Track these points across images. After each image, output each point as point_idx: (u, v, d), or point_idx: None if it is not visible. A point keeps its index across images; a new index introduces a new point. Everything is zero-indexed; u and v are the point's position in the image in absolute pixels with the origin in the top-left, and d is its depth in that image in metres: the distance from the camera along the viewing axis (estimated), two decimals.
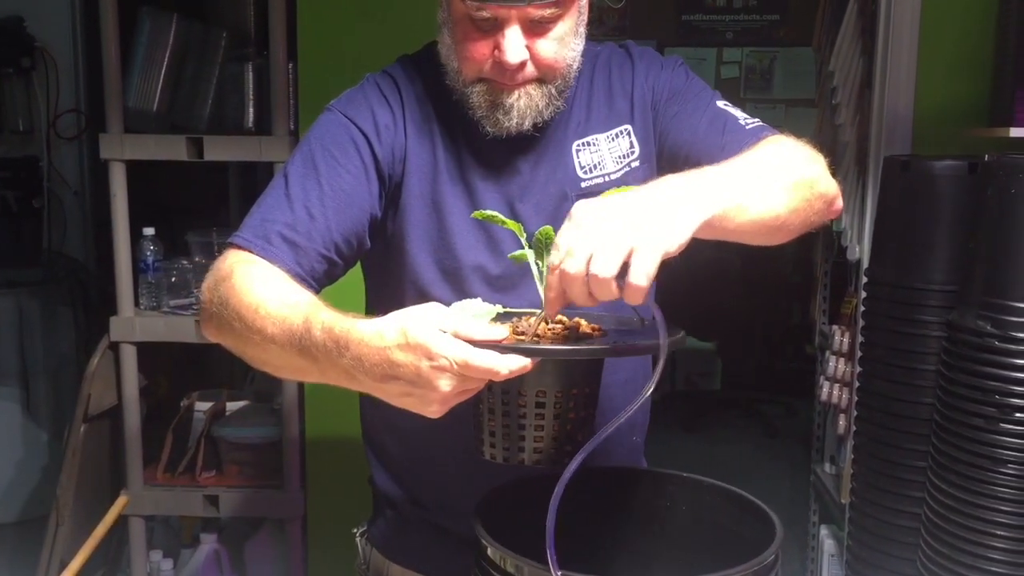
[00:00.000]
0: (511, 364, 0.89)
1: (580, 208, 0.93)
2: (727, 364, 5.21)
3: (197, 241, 2.49)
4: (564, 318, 1.06)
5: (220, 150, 2.33)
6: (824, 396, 2.61)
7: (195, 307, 2.41)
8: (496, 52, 1.15)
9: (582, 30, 1.21)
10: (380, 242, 1.27)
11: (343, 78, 2.33)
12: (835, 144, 2.52)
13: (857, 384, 2.12)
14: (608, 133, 1.28)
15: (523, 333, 0.99)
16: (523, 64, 1.16)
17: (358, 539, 1.47)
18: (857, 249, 2.40)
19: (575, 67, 1.22)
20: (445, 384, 0.90)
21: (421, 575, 1.37)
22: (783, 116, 5.38)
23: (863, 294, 1.96)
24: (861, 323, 1.98)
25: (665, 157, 1.28)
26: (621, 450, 1.33)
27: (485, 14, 1.13)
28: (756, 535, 0.96)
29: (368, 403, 1.44)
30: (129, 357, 2.40)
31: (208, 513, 2.45)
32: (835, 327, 2.66)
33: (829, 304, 3.05)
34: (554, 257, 0.92)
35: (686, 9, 5.56)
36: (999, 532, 1.63)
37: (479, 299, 1.05)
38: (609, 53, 1.34)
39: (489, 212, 1.10)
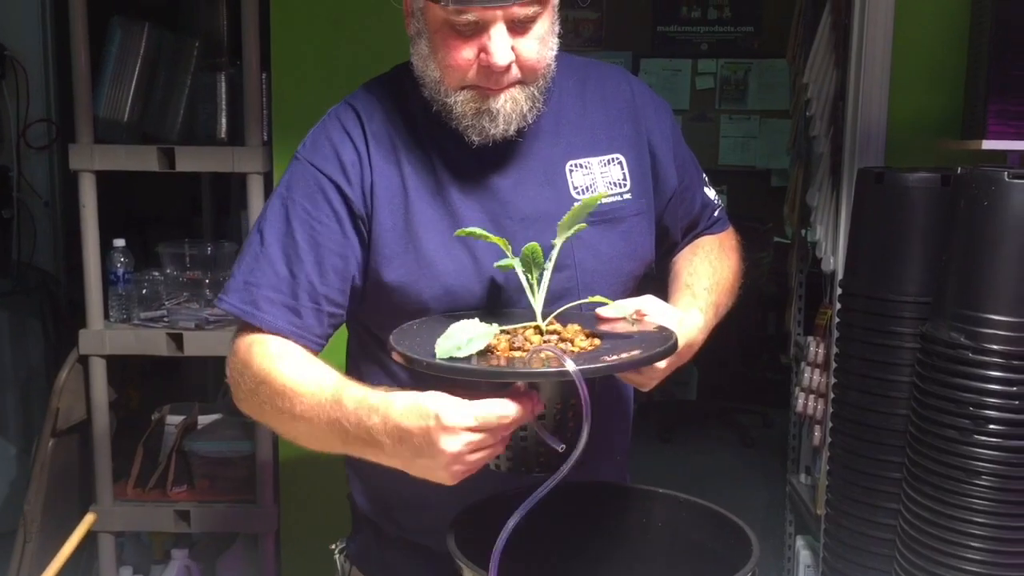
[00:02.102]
0: (516, 408, 0.95)
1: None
2: (704, 374, 5.23)
3: (169, 252, 2.45)
4: (559, 327, 1.07)
5: (192, 161, 2.30)
6: (800, 407, 2.62)
7: (167, 319, 2.38)
8: (482, 55, 1.13)
9: (557, 28, 1.20)
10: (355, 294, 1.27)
11: (317, 88, 2.35)
12: (810, 155, 2.53)
13: (832, 395, 2.12)
14: (601, 158, 1.28)
15: (519, 347, 1.00)
16: (509, 66, 1.14)
17: (337, 555, 1.46)
18: (832, 260, 2.40)
19: (552, 67, 1.22)
20: (451, 444, 0.95)
21: None
22: (758, 127, 5.42)
23: (838, 305, 1.97)
24: (836, 334, 1.98)
25: (668, 215, 1.36)
26: (603, 471, 1.32)
27: (469, 17, 1.12)
28: (733, 552, 0.95)
29: None
30: (99, 370, 2.36)
31: (179, 529, 2.42)
32: (810, 338, 2.66)
33: (804, 315, 3.06)
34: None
35: (662, 20, 5.58)
36: (974, 543, 1.63)
37: (476, 319, 1.04)
38: (601, 73, 1.34)
39: (471, 229, 1.10)
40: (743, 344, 5.18)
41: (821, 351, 2.61)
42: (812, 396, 2.58)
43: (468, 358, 0.98)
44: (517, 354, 1.01)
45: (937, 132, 2.19)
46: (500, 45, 1.12)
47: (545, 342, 1.03)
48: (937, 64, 2.18)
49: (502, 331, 1.06)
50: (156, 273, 2.45)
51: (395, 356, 1.04)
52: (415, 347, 1.03)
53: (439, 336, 1.01)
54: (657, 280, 1.36)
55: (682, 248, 1.38)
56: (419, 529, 1.31)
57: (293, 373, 1.13)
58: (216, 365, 2.87)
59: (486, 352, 1.01)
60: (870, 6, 2.16)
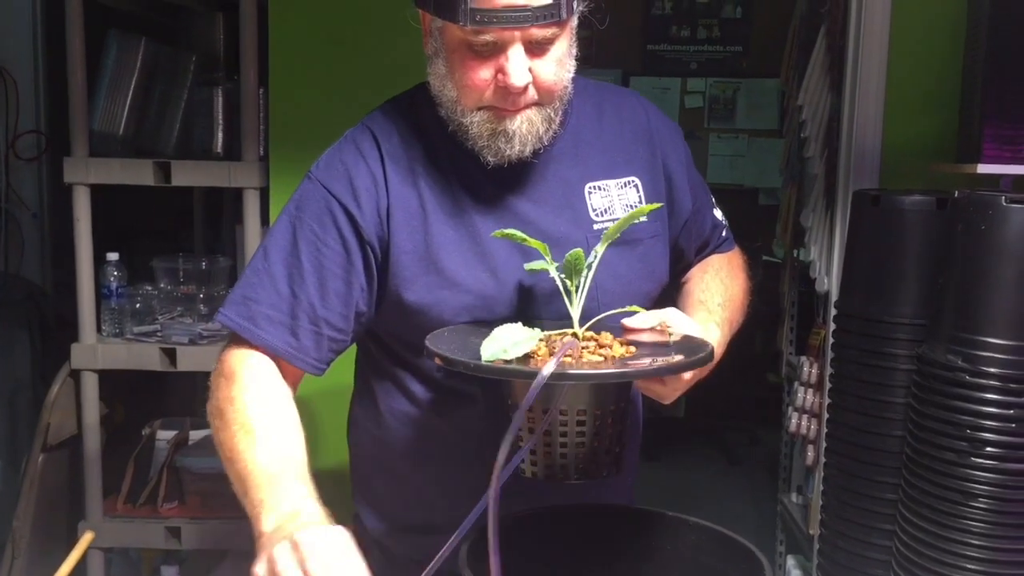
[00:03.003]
0: None
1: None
2: (690, 391, 5.20)
3: (163, 267, 2.44)
4: (595, 335, 1.08)
5: (188, 175, 2.29)
6: (793, 427, 2.62)
7: (160, 334, 2.36)
8: (499, 76, 1.13)
9: (574, 51, 1.20)
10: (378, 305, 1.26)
11: (314, 104, 2.35)
12: (803, 176, 2.55)
13: (827, 415, 2.13)
14: (618, 180, 1.29)
15: (554, 352, 1.00)
16: (526, 87, 1.14)
17: None
18: (826, 281, 2.42)
19: (570, 89, 1.22)
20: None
21: None
22: (746, 146, 5.45)
23: (832, 326, 1.98)
24: (830, 355, 1.99)
25: (683, 237, 1.38)
26: (612, 492, 1.32)
27: (487, 38, 1.11)
28: (740, 573, 0.95)
29: (358, 442, 1.43)
30: (91, 385, 2.34)
31: (170, 545, 2.40)
32: (803, 358, 2.67)
33: (796, 334, 3.07)
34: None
35: (652, 39, 5.62)
36: (970, 565, 1.64)
37: (519, 323, 1.03)
38: (617, 97, 1.35)
39: (510, 231, 1.10)
40: (730, 362, 5.16)
41: (815, 371, 2.62)
42: (805, 416, 2.59)
43: (512, 360, 0.97)
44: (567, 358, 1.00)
45: (931, 155, 2.21)
46: (517, 66, 1.11)
47: (584, 348, 1.03)
48: (931, 88, 2.21)
49: (544, 337, 1.06)
50: (149, 287, 2.44)
51: (436, 360, 1.02)
52: (453, 351, 1.02)
53: (474, 340, 1.01)
54: (666, 298, 1.36)
55: (691, 267, 1.39)
56: (430, 551, 1.31)
57: (256, 419, 1.13)
58: (205, 380, 2.85)
59: (526, 358, 0.99)
60: (865, 30, 2.18)
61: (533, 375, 0.91)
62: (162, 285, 2.44)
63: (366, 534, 1.42)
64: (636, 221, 1.13)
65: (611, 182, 1.28)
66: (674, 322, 1.12)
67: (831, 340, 1.96)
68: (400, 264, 1.21)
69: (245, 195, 2.28)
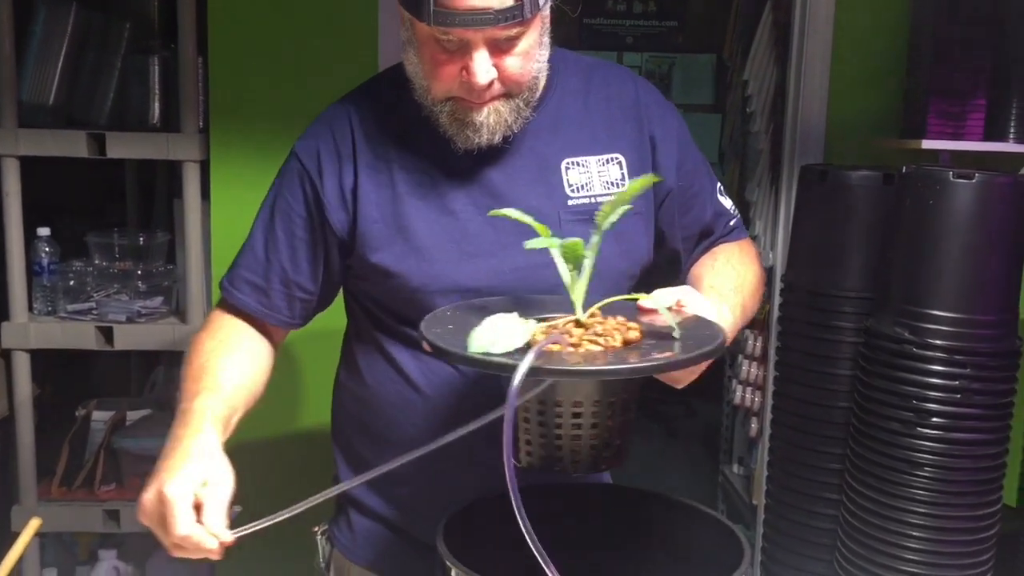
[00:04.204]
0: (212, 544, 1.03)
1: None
2: None
3: (97, 242, 2.36)
4: (601, 321, 1.03)
5: (124, 147, 2.21)
6: (737, 399, 2.66)
7: (95, 312, 2.28)
8: (464, 73, 1.16)
9: (546, 39, 1.21)
10: (349, 273, 1.33)
11: (256, 73, 2.28)
12: (747, 151, 2.57)
13: (772, 388, 2.16)
14: (600, 157, 1.28)
15: (556, 341, 0.95)
16: (491, 83, 1.16)
17: (318, 537, 1.48)
18: (771, 255, 2.45)
19: (542, 77, 1.23)
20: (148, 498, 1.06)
21: None
22: None
23: (778, 299, 2.00)
24: (776, 328, 2.02)
25: (663, 218, 1.34)
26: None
27: (451, 36, 1.13)
28: (719, 552, 0.95)
29: (341, 401, 1.45)
30: (23, 365, 2.26)
31: (109, 529, 2.33)
32: (747, 331, 2.71)
33: None
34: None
35: (588, 13, 5.61)
36: (915, 533, 1.68)
37: (515, 313, 1.00)
38: (606, 73, 1.35)
39: (507, 211, 1.08)
40: None
41: (759, 344, 2.66)
42: (749, 388, 2.63)
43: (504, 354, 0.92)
44: (555, 347, 0.95)
45: (875, 130, 2.24)
46: (481, 65, 1.14)
47: (586, 338, 0.98)
48: (876, 63, 2.23)
49: (545, 326, 1.02)
50: (83, 264, 2.35)
51: (425, 346, 1.00)
52: (446, 336, 0.99)
53: (473, 322, 0.97)
54: (658, 283, 1.34)
55: (698, 256, 1.38)
56: (406, 515, 1.32)
57: (208, 363, 1.25)
58: (143, 359, 2.78)
59: (525, 347, 0.95)
60: (811, 4, 2.20)
61: (513, 368, 0.88)
62: (96, 261, 2.35)
63: (343, 496, 1.43)
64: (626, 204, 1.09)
65: (591, 158, 1.28)
66: (689, 301, 1.11)
67: (777, 313, 1.98)
68: (369, 234, 1.26)
69: (184, 168, 2.21)
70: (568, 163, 1.27)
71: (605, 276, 1.23)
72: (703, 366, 1.06)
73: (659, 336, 1.00)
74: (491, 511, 0.83)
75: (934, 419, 1.66)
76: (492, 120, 1.18)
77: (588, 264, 1.05)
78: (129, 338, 2.26)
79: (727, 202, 1.42)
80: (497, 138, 1.20)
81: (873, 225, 1.88)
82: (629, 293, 1.16)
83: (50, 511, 2.30)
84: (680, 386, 1.16)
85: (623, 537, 1.12)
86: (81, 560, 2.50)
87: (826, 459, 1.91)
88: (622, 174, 1.28)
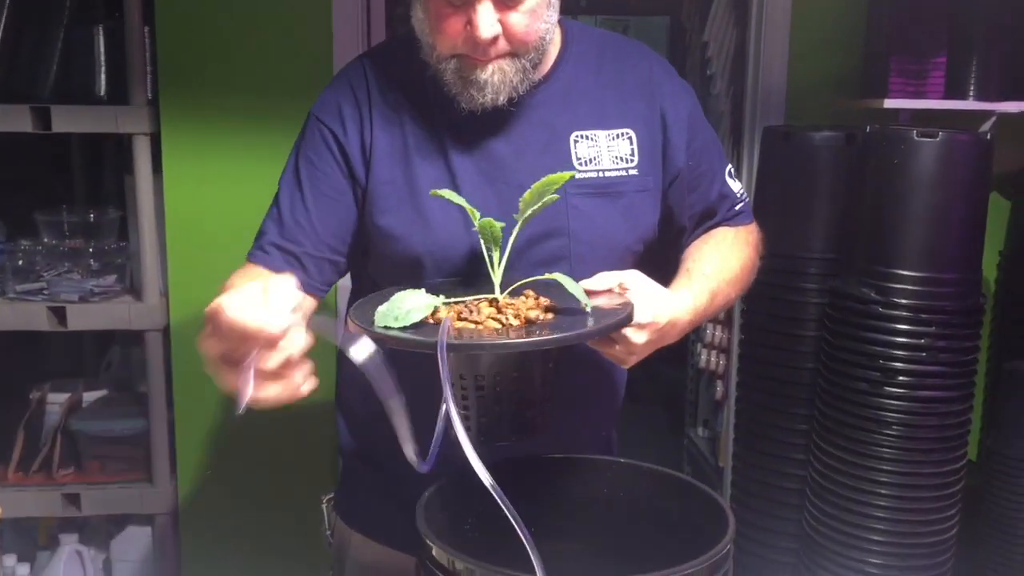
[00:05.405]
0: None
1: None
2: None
3: (45, 220, 2.28)
4: (515, 300, 1.05)
5: (70, 121, 2.14)
6: (702, 363, 2.67)
7: (47, 292, 2.22)
8: (468, 27, 1.13)
9: (555, 1, 1.19)
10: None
11: (205, 42, 2.21)
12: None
13: (738, 351, 2.16)
14: (610, 132, 1.27)
15: (466, 319, 0.99)
16: (495, 39, 1.14)
17: (324, 506, 1.48)
18: None
19: (548, 39, 1.20)
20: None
21: (380, 543, 1.37)
22: None
23: None
24: None
25: (672, 195, 1.32)
26: (591, 448, 1.31)
27: None
28: (701, 520, 0.94)
29: (347, 366, 1.41)
30: None
31: (69, 513, 2.28)
32: None
33: None
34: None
35: None
36: (883, 491, 1.70)
37: (423, 291, 1.03)
38: (621, 48, 1.32)
39: (443, 191, 1.11)
40: None
41: None
42: (714, 352, 2.63)
43: (404, 328, 0.98)
44: (459, 324, 1.00)
45: (835, 91, 2.24)
46: (485, 19, 1.12)
47: (493, 316, 1.02)
48: (837, 22, 2.22)
49: (455, 302, 1.04)
50: (31, 243, 2.28)
51: (346, 326, 1.04)
52: (368, 312, 1.03)
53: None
54: (658, 260, 1.34)
55: (696, 237, 1.36)
56: (402, 480, 1.30)
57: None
58: (97, 339, 2.72)
59: (424, 323, 1.00)
60: None
61: (386, 340, 0.95)
62: (46, 240, 2.28)
63: (347, 463, 1.46)
64: (549, 196, 1.09)
65: (601, 132, 1.26)
66: (633, 284, 1.11)
67: None
68: (378, 192, 1.24)
69: (135, 141, 2.14)
70: (577, 136, 1.25)
71: (607, 250, 1.25)
72: (646, 346, 1.09)
73: (574, 315, 1.02)
74: (473, 485, 0.82)
75: (900, 378, 1.68)
76: (496, 79, 1.16)
77: (507, 249, 1.07)
78: (82, 318, 2.20)
79: (735, 185, 1.39)
80: (502, 99, 1.18)
81: (837, 186, 1.89)
82: (631, 268, 1.17)
83: (7, 496, 2.25)
84: (625, 365, 1.15)
85: (600, 507, 1.11)
86: (41, 545, 2.45)
87: (793, 420, 1.93)
88: (632, 149, 1.27)
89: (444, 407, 0.92)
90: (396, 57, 1.29)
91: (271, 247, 1.25)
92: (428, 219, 1.22)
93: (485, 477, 0.85)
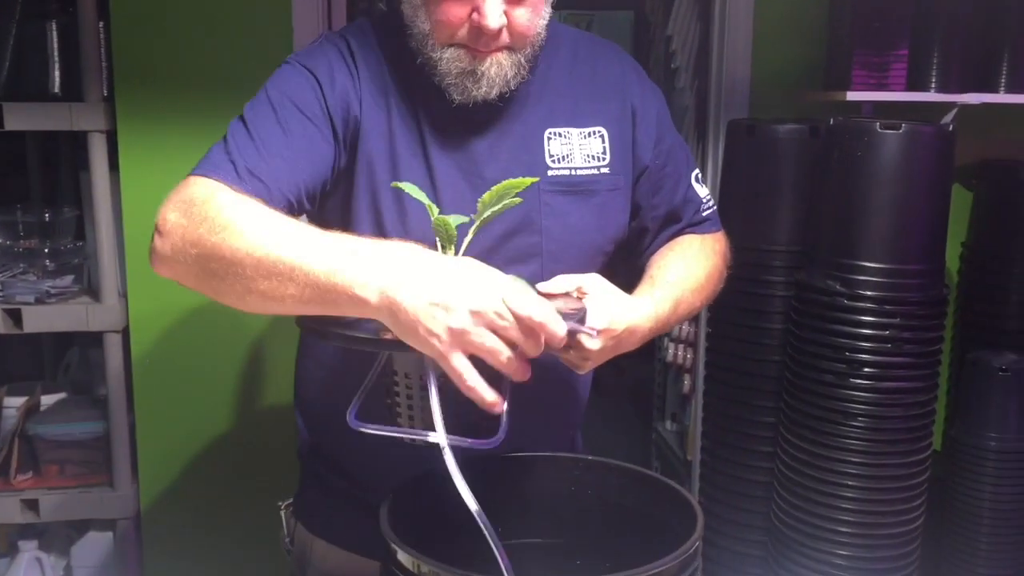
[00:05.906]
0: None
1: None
2: None
3: (0, 220, 2.23)
4: None
5: (23, 119, 2.09)
6: (669, 357, 2.67)
7: (1, 293, 2.17)
8: (474, 16, 1.11)
9: None
10: (327, 199, 1.21)
11: (162, 37, 2.17)
12: (672, 108, 2.55)
13: (705, 344, 2.16)
14: (582, 130, 1.26)
15: None
16: (500, 30, 1.13)
17: (283, 512, 1.45)
18: None
19: (542, 36, 1.20)
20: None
21: (343, 549, 1.35)
22: None
23: None
24: None
25: (638, 192, 1.31)
26: (557, 447, 1.30)
27: None
28: (669, 516, 0.94)
29: (307, 366, 1.40)
30: None
31: (27, 519, 2.24)
32: None
33: None
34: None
35: None
36: (850, 483, 1.70)
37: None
38: (594, 48, 1.32)
39: (404, 184, 1.07)
40: None
41: None
42: (681, 345, 2.63)
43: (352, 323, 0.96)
44: None
45: (799, 83, 2.24)
46: (493, 7, 1.11)
47: None
48: (799, 15, 2.23)
49: None
50: None
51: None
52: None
53: None
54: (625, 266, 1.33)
55: (662, 243, 1.35)
56: (366, 485, 1.28)
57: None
58: (55, 341, 2.66)
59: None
60: None
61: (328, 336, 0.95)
62: (0, 240, 2.23)
63: (307, 467, 1.43)
64: (510, 199, 1.05)
65: (574, 130, 1.26)
66: (592, 288, 1.10)
67: None
68: (366, 170, 1.20)
69: (90, 139, 2.10)
70: (551, 133, 1.25)
71: (579, 249, 1.25)
72: (601, 353, 1.06)
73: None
74: (439, 485, 0.80)
75: (866, 369, 1.68)
76: (493, 72, 1.15)
77: (463, 248, 1.04)
78: (39, 320, 2.15)
79: (702, 191, 1.39)
80: (495, 92, 1.17)
81: (801, 178, 1.89)
82: (603, 267, 1.16)
83: None
84: (580, 371, 1.12)
85: (568, 505, 1.10)
86: (0, 552, 2.40)
87: (760, 412, 1.93)
88: (604, 148, 1.26)
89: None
90: (376, 41, 1.26)
91: (247, 174, 1.10)
92: (406, 208, 1.19)
93: (468, 498, 0.82)
